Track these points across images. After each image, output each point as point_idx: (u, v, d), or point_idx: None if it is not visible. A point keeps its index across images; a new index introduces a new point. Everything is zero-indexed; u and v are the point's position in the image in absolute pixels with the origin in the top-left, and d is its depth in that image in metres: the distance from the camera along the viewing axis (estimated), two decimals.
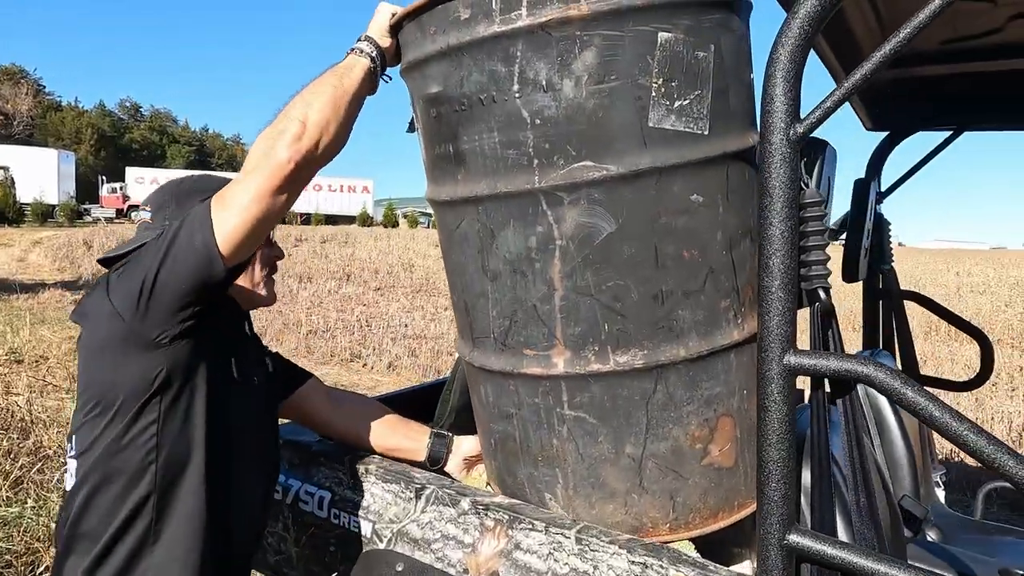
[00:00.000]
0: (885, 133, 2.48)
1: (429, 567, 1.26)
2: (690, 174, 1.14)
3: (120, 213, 34.40)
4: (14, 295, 10.12)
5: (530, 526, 1.19)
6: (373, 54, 1.24)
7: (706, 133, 1.14)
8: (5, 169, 29.82)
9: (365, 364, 7.42)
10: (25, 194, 30.04)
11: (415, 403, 1.96)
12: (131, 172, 38.63)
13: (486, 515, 1.24)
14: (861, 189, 2.17)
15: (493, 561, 1.19)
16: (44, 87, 59.50)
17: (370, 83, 1.23)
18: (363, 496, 1.42)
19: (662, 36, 1.08)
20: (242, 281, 1.28)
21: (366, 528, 1.39)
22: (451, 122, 1.21)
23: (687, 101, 1.12)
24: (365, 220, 39.14)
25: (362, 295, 12.51)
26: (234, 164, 64.19)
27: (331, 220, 38.17)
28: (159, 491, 1.11)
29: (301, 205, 39.35)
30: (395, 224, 40.15)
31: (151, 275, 1.04)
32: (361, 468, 1.45)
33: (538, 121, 1.11)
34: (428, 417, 1.92)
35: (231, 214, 1.05)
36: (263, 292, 1.34)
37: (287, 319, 9.33)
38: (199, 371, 1.13)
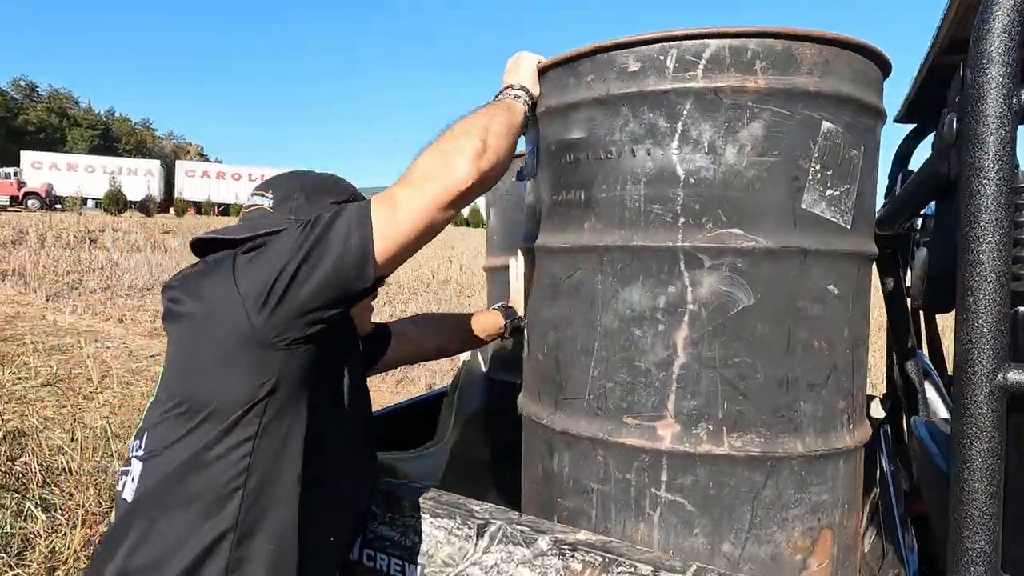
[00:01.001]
0: (912, 125, 2.08)
1: None
2: (830, 263, 1.12)
3: (15, 200, 31.28)
4: None
5: (631, 569, 1.02)
6: (530, 102, 1.24)
7: (848, 227, 1.14)
8: None
9: None
10: None
11: (402, 420, 1.81)
12: (27, 156, 35.98)
13: (572, 556, 1.07)
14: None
15: None
16: None
17: (524, 126, 1.22)
18: (406, 534, 1.23)
19: (825, 125, 1.10)
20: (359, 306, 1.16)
21: (411, 574, 1.20)
22: (590, 169, 1.18)
23: (838, 192, 1.12)
24: None
25: None
26: (143, 151, 61.35)
27: None
28: (241, 526, 0.91)
29: (221, 195, 37.75)
30: None
31: (291, 267, 0.91)
32: (404, 500, 1.26)
33: (692, 181, 1.09)
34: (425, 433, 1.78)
35: (399, 218, 0.95)
36: (367, 319, 1.27)
37: None
38: (309, 389, 0.98)
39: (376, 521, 1.28)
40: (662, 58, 1.10)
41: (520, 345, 1.92)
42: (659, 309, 1.11)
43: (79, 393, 5.05)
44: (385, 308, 10.55)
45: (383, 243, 0.94)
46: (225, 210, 35.01)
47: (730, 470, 1.10)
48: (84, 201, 32.70)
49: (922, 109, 2.05)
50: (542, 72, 1.27)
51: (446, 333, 1.62)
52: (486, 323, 1.62)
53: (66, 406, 4.62)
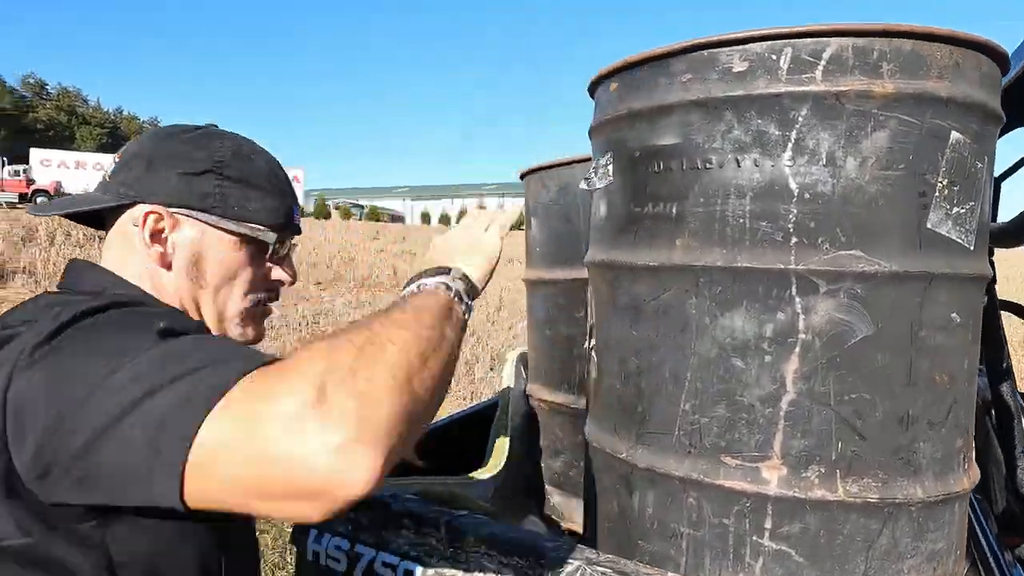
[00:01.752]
0: None
1: None
2: (954, 288, 1.01)
3: (24, 198, 31.06)
4: None
5: None
6: (471, 307, 0.82)
7: (972, 248, 1.03)
8: None
9: None
10: None
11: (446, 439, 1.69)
12: (36, 154, 35.71)
13: None
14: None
15: None
16: None
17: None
18: (470, 570, 1.12)
19: (954, 136, 0.99)
20: (210, 310, 0.86)
21: None
22: (683, 179, 1.06)
23: (964, 210, 1.01)
24: None
25: (303, 289, 11.80)
26: None
27: None
28: None
29: None
30: (327, 215, 38.20)
31: (80, 437, 0.56)
32: (468, 535, 1.14)
33: (808, 196, 0.98)
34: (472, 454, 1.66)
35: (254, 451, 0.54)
36: (238, 329, 0.89)
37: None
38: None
39: (435, 556, 1.17)
40: (774, 58, 0.99)
41: (562, 363, 1.81)
42: (765, 338, 1.00)
43: None
44: None
45: (194, 471, 0.54)
46: None
47: (844, 517, 0.98)
48: None
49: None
50: (624, 69, 1.16)
51: None
52: None
53: None
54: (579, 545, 1.11)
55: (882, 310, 0.97)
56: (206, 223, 0.83)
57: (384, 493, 1.28)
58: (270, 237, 0.87)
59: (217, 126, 0.91)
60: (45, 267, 11.55)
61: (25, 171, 33.21)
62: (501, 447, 1.72)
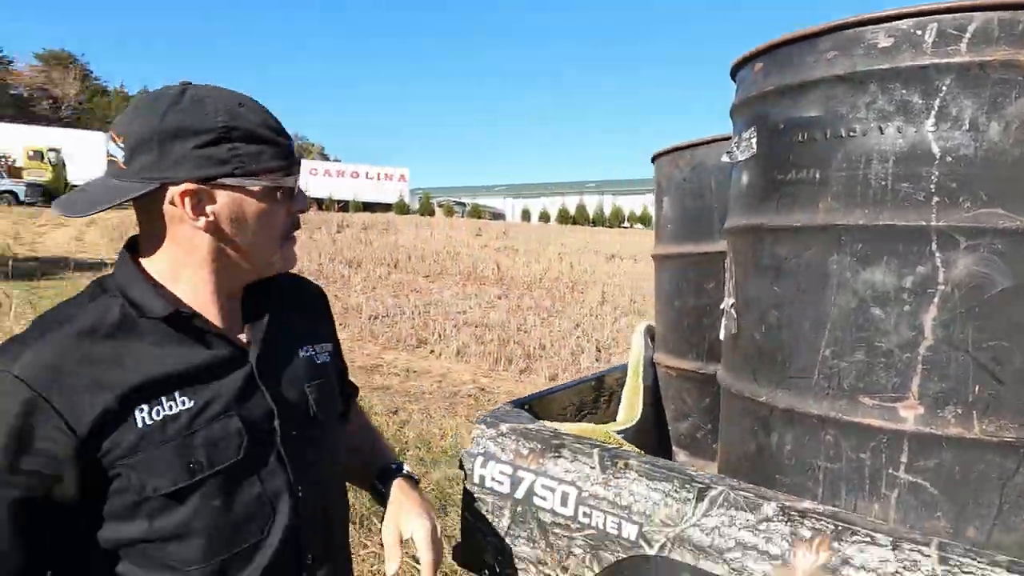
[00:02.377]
0: None
1: None
2: None
3: None
4: (76, 273, 10.44)
5: (868, 539, 1.02)
6: None
7: None
8: (56, 151, 30.53)
9: (433, 351, 7.36)
10: (75, 176, 30.28)
11: (585, 397, 1.85)
12: None
13: (801, 523, 1.08)
14: None
15: None
16: (91, 72, 62.06)
17: None
18: (621, 494, 1.28)
19: None
20: (258, 259, 0.96)
21: (629, 530, 1.24)
22: (827, 147, 1.18)
23: None
24: (402, 208, 38.49)
25: (412, 281, 12.49)
26: None
27: (368, 207, 37.43)
28: None
29: (341, 192, 39.51)
30: (431, 213, 39.18)
31: None
32: (619, 462, 1.31)
33: (950, 159, 1.07)
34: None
35: None
36: (280, 264, 0.99)
37: (346, 303, 9.41)
38: None
39: (590, 481, 1.34)
40: (919, 33, 1.08)
41: (690, 332, 1.94)
42: (905, 290, 1.10)
43: None
44: (500, 302, 10.79)
45: None
46: (344, 206, 36.88)
47: (979, 455, 1.07)
48: None
49: None
50: (769, 50, 1.28)
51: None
52: (363, 475, 1.20)
53: None
54: (719, 475, 1.25)
55: (1022, 264, 1.05)
56: (234, 187, 0.88)
57: (543, 430, 1.47)
58: (289, 181, 0.92)
59: (190, 82, 0.92)
60: None
61: None
62: (632, 404, 1.87)
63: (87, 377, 0.82)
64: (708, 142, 1.85)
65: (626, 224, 41.07)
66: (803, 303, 1.21)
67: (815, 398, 1.19)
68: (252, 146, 0.88)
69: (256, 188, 0.89)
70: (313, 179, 40.89)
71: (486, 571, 1.50)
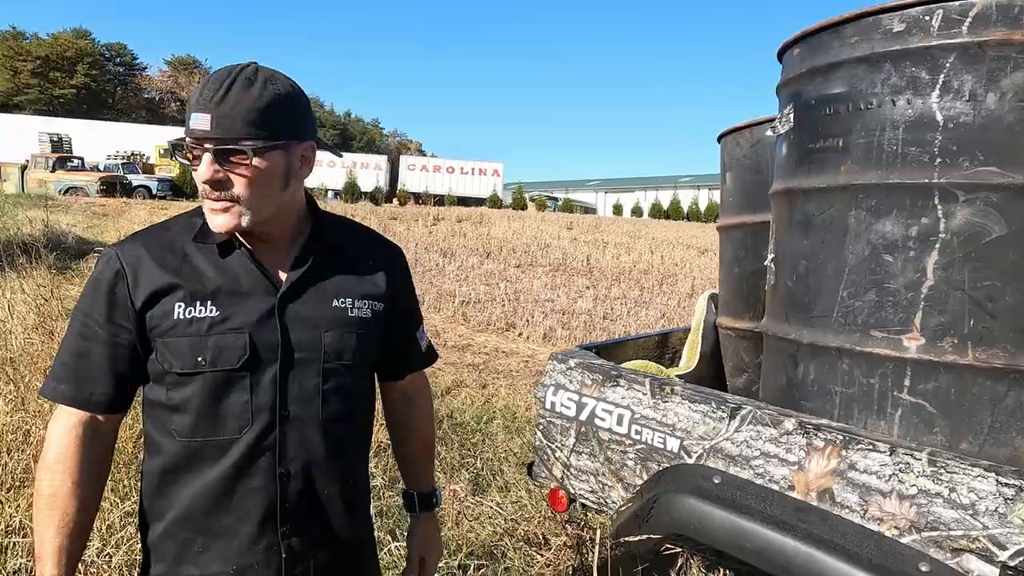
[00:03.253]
0: None
1: (748, 482, 1.34)
2: None
3: None
4: None
5: (870, 447, 1.23)
6: None
7: None
8: None
9: (520, 334, 7.76)
10: None
11: (650, 348, 2.08)
12: None
13: (815, 435, 1.29)
14: None
15: (825, 479, 1.25)
16: None
17: None
18: (667, 415, 1.53)
19: None
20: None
21: (672, 444, 1.50)
22: (849, 118, 1.37)
23: None
24: (495, 202, 39.17)
25: (504, 271, 12.98)
26: (373, 147, 67.98)
27: (462, 201, 38.31)
28: None
29: (436, 186, 40.89)
30: (524, 207, 39.83)
31: None
32: (665, 388, 1.56)
33: (951, 125, 1.25)
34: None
35: None
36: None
37: (440, 289, 10.00)
38: None
39: (642, 405, 1.59)
40: (927, 18, 1.27)
41: (748, 294, 2.13)
42: (911, 238, 1.29)
43: None
44: (588, 292, 11.01)
45: None
46: (440, 200, 38.07)
47: (971, 379, 1.25)
48: (326, 192, 37.67)
49: None
50: (804, 37, 1.49)
51: (398, 443, 1.41)
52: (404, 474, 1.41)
53: None
54: (749, 399, 1.48)
55: (1014, 215, 1.21)
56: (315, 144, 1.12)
57: (604, 364, 1.74)
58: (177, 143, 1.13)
59: (256, 63, 1.11)
60: None
61: None
62: (691, 356, 2.09)
63: (154, 268, 1.09)
64: (765, 121, 2.04)
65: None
66: (826, 253, 1.42)
67: (834, 333, 1.39)
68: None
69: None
70: (411, 174, 42.41)
71: (553, 483, 1.79)
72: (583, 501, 1.74)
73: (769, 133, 1.65)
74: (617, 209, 46.22)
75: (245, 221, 1.08)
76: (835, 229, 1.40)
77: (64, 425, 1.14)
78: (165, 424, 1.12)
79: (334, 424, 1.17)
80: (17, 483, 2.82)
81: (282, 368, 1.11)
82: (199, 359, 1.09)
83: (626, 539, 1.45)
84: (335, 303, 1.16)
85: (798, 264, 1.49)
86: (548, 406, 1.78)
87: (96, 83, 56.12)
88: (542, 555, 2.90)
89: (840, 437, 1.28)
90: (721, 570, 1.84)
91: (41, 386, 1.15)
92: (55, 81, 52.19)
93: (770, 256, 1.65)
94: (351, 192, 35.68)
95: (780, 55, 1.64)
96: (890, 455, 1.22)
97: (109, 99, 57.13)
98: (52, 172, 23.92)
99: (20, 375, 3.66)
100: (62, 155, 25.48)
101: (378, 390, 1.34)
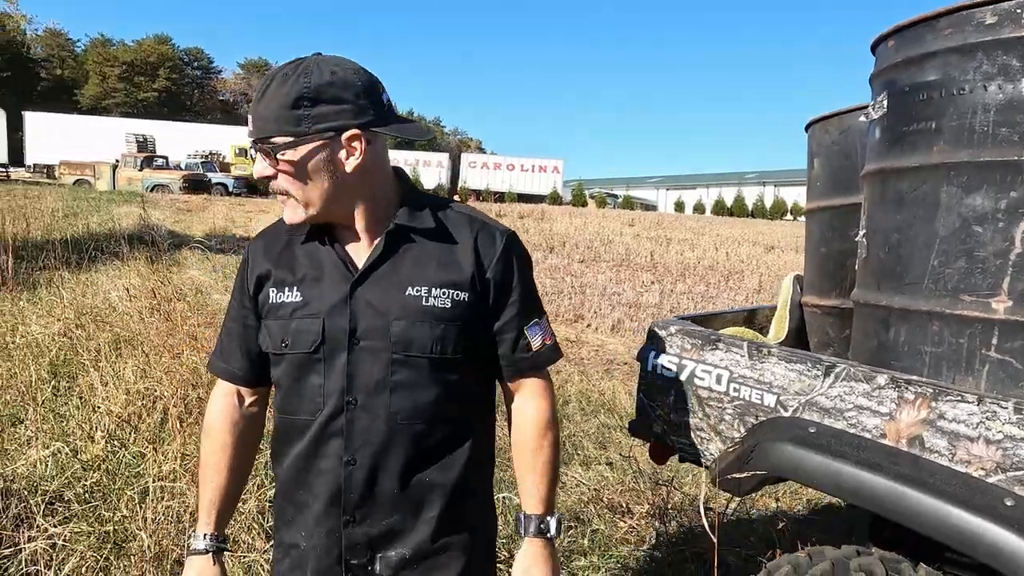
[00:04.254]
0: None
1: (842, 431, 1.50)
2: None
3: None
4: None
5: (958, 398, 1.36)
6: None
7: None
8: None
9: (589, 325, 8.02)
10: None
11: (739, 322, 2.23)
12: None
13: (906, 389, 1.44)
14: None
15: (915, 428, 1.40)
16: None
17: None
18: (764, 374, 1.70)
19: None
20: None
21: (769, 399, 1.67)
22: (940, 103, 1.51)
23: None
24: (555, 199, 39.62)
25: (568, 266, 13.23)
26: (435, 146, 68.96)
27: (522, 198, 38.97)
28: None
29: (496, 183, 41.61)
30: (584, 203, 40.15)
31: None
32: (763, 350, 1.73)
33: None
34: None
35: None
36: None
37: None
38: None
39: (740, 366, 1.77)
40: (1019, 11, 1.40)
41: (833, 273, 2.26)
42: (1000, 211, 1.42)
43: None
44: (654, 287, 11.07)
45: None
46: (500, 197, 38.49)
47: None
48: None
49: None
50: (899, 30, 1.63)
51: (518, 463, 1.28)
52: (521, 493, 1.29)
53: None
54: (843, 357, 1.63)
55: None
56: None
57: (703, 330, 1.92)
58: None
59: (321, 53, 1.12)
60: None
61: None
62: (778, 329, 2.25)
63: (261, 257, 1.20)
64: (855, 109, 2.17)
65: (788, 216, 38.97)
66: (918, 226, 1.56)
67: (925, 298, 1.54)
68: None
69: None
70: (471, 171, 42.98)
71: (653, 438, 1.98)
72: (682, 453, 1.93)
73: (862, 119, 1.80)
74: (678, 206, 45.60)
75: (304, 214, 1.10)
76: (927, 204, 1.54)
77: (217, 395, 1.27)
78: (273, 399, 1.26)
79: (406, 420, 1.12)
80: (155, 439, 3.20)
81: (350, 354, 1.12)
82: (282, 342, 1.15)
83: (730, 475, 1.63)
84: (408, 291, 1.11)
85: (890, 236, 1.64)
86: (649, 368, 1.97)
87: (176, 86, 59.11)
88: (625, 522, 3.10)
89: (930, 390, 1.43)
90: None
91: (207, 363, 1.32)
92: (139, 85, 55.23)
93: (861, 232, 1.80)
94: None
95: (874, 47, 1.78)
96: (978, 405, 1.36)
97: (187, 101, 60.03)
98: (140, 171, 25.47)
99: (144, 351, 4.09)
100: (148, 154, 27.06)
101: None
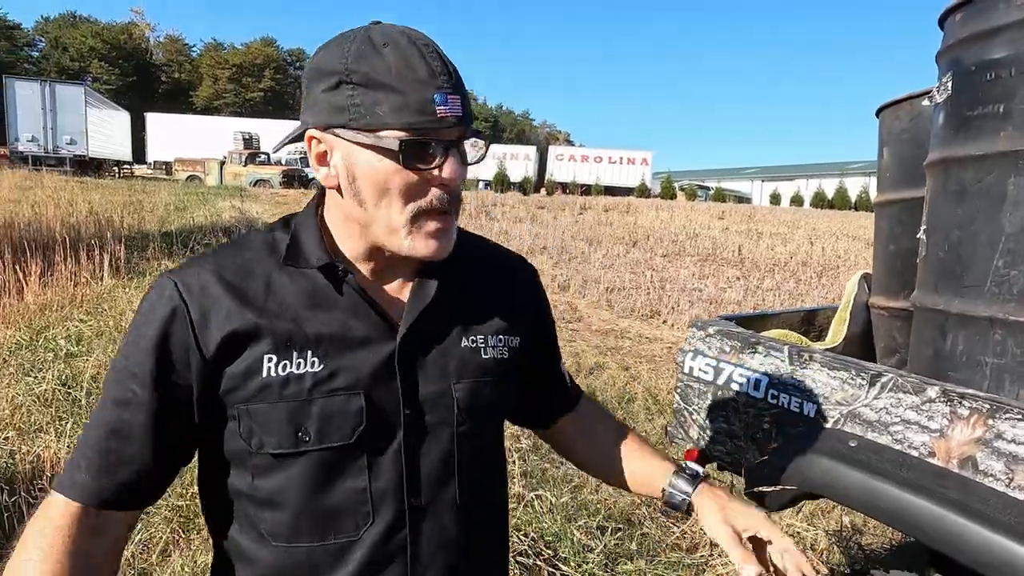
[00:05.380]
0: None
1: (886, 447, 1.37)
2: None
3: None
4: None
5: (1020, 416, 1.21)
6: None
7: None
8: None
9: (665, 321, 7.83)
10: None
11: (795, 323, 2.09)
12: None
13: (960, 404, 1.29)
14: None
15: (968, 447, 1.26)
16: None
17: None
18: (805, 380, 1.58)
19: None
20: (379, 227, 0.79)
21: (808, 409, 1.55)
22: (1009, 83, 1.34)
23: None
24: (643, 191, 38.48)
25: (650, 260, 12.97)
26: (522, 139, 68.93)
27: (610, 191, 38.07)
28: None
29: (583, 176, 41.04)
30: (673, 196, 38.70)
31: None
32: (805, 356, 1.60)
33: None
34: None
35: None
36: (407, 242, 0.78)
37: (585, 276, 10.27)
38: None
39: (780, 371, 1.65)
40: None
41: (902, 272, 2.07)
42: None
43: None
44: (738, 283, 10.65)
45: None
46: (587, 190, 38.17)
47: None
48: (477, 183, 39.13)
49: None
50: (966, 2, 1.45)
51: (608, 464, 1.06)
52: (646, 478, 1.02)
53: None
54: (891, 366, 1.48)
55: None
56: (348, 140, 0.75)
57: (743, 332, 1.80)
58: (393, 143, 0.73)
59: (380, 22, 0.78)
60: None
61: None
62: (836, 332, 2.08)
63: (228, 305, 0.77)
64: (924, 93, 1.97)
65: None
66: (981, 221, 1.39)
67: (986, 303, 1.37)
68: (371, 93, 0.73)
69: (368, 143, 0.74)
70: (558, 164, 42.84)
71: (690, 443, 1.89)
72: (719, 461, 1.82)
73: (926, 103, 1.62)
74: (775, 198, 43.69)
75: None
76: (992, 197, 1.37)
77: (51, 528, 0.75)
78: (254, 524, 0.81)
79: (475, 508, 0.88)
80: None
81: (407, 438, 0.81)
82: (299, 432, 0.77)
83: (760, 489, 1.53)
84: (464, 343, 0.86)
85: (951, 233, 1.47)
86: (687, 371, 1.87)
87: (279, 86, 62.42)
88: (678, 526, 2.99)
89: (987, 406, 1.27)
90: None
91: (57, 478, 0.79)
92: (247, 86, 58.72)
93: (923, 228, 1.63)
94: (500, 182, 36.83)
95: (941, 21, 1.61)
96: None
97: (290, 100, 63.22)
98: (244, 167, 27.09)
99: None
100: (252, 151, 28.73)
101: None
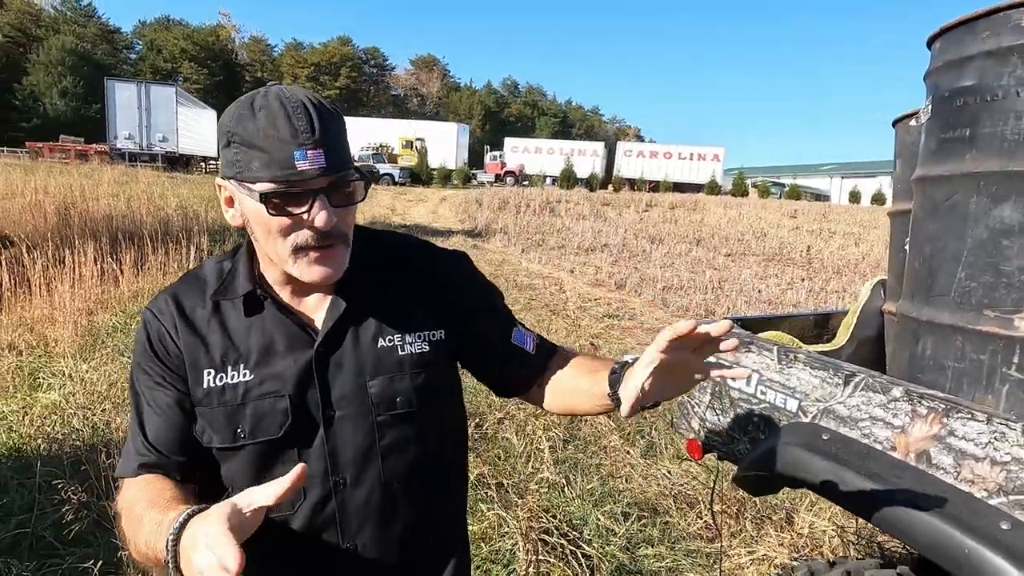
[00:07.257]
0: None
1: (854, 440, 1.52)
2: None
3: (498, 178, 39.22)
4: (434, 237, 13.05)
5: (969, 416, 1.32)
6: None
7: None
8: (421, 140, 37.76)
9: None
10: (434, 160, 37.19)
11: (808, 326, 2.21)
12: (508, 142, 43.91)
13: (920, 403, 1.42)
14: None
15: (924, 443, 1.39)
16: (449, 71, 72.26)
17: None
18: (790, 379, 1.73)
19: None
20: (273, 260, 0.95)
21: (791, 405, 1.70)
22: (974, 110, 1.45)
23: None
24: (713, 188, 37.64)
25: (712, 259, 12.87)
26: (591, 134, 68.18)
27: (679, 188, 37.57)
28: None
29: (652, 172, 40.58)
30: (744, 193, 37.64)
31: None
32: (790, 356, 1.75)
33: None
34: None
35: None
36: (296, 269, 0.92)
37: (643, 274, 10.30)
38: None
39: (769, 369, 1.80)
40: None
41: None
42: None
43: (551, 311, 6.71)
44: (802, 284, 10.45)
45: None
46: (655, 187, 37.69)
47: None
48: (544, 178, 39.29)
49: None
50: (943, 31, 1.56)
51: (570, 402, 1.09)
52: (597, 399, 1.02)
53: (539, 322, 6.22)
54: (866, 368, 1.61)
55: None
56: (236, 189, 0.90)
57: (740, 333, 1.96)
58: (256, 195, 0.87)
59: (275, 84, 0.91)
60: (514, 228, 14.89)
61: (500, 156, 42.00)
62: (843, 332, 2.19)
63: (181, 328, 0.97)
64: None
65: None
66: (948, 236, 1.51)
67: (950, 312, 1.49)
68: (247, 151, 0.86)
69: (246, 193, 0.89)
70: (626, 160, 42.41)
71: (691, 435, 2.05)
72: (717, 451, 1.99)
73: (913, 123, 1.73)
74: (854, 196, 41.84)
75: (346, 261, 0.96)
76: (958, 214, 1.49)
77: (126, 496, 0.93)
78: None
79: (403, 484, 1.01)
80: None
81: (328, 429, 0.96)
82: (237, 430, 0.95)
83: (744, 474, 1.69)
84: (380, 343, 0.99)
85: (924, 247, 1.59)
86: None
87: (355, 83, 64.29)
88: (702, 518, 3.13)
89: (942, 406, 1.40)
90: None
91: (117, 469, 1.00)
92: (324, 84, 60.78)
93: (907, 240, 1.74)
94: (567, 178, 36.87)
95: (929, 44, 1.71)
96: (987, 424, 1.32)
97: (364, 97, 65.08)
98: None
99: None
100: None
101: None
